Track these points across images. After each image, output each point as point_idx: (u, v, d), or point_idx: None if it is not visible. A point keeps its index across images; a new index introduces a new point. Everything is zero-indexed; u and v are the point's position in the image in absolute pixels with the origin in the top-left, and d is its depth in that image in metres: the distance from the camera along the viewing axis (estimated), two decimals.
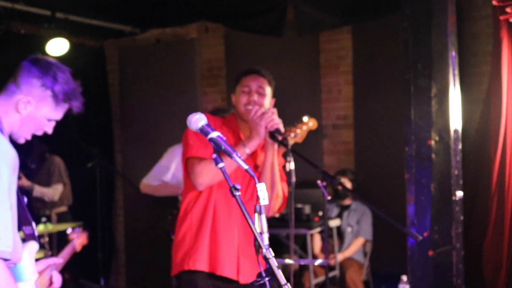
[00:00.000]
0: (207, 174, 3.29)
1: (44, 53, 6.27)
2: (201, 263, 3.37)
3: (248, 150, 3.33)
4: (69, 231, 3.72)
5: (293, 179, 3.38)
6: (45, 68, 2.50)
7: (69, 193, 6.70)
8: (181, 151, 4.09)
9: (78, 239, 3.73)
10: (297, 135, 3.56)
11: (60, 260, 3.09)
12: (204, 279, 3.38)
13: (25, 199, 2.67)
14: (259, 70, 3.54)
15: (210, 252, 3.38)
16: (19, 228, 2.55)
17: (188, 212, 3.46)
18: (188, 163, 3.39)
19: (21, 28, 6.50)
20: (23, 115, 2.48)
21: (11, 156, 2.40)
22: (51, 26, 6.33)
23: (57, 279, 2.96)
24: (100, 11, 6.67)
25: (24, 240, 2.70)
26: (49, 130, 2.57)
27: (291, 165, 3.37)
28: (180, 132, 4.30)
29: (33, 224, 2.75)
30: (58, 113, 2.55)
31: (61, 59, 6.49)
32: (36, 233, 2.77)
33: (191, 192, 3.46)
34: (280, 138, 3.38)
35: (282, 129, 3.40)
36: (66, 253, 3.43)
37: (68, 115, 2.59)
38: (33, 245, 2.76)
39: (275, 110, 3.42)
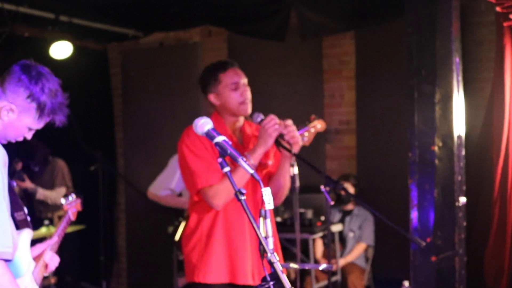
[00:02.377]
0: (221, 196, 3.27)
1: (47, 56, 6.28)
2: (211, 275, 3.36)
3: (253, 161, 3.28)
4: (63, 201, 3.62)
5: (297, 184, 3.36)
6: (35, 78, 2.45)
7: None
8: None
9: (72, 208, 3.57)
10: (304, 138, 3.51)
11: (54, 239, 3.01)
12: None
13: (14, 183, 2.64)
14: (233, 63, 3.50)
15: (226, 262, 3.38)
16: (11, 214, 2.51)
17: (199, 222, 3.44)
18: (200, 193, 3.37)
19: (25, 31, 6.51)
20: (5, 121, 2.47)
21: (2, 153, 2.41)
22: (54, 29, 6.34)
23: (53, 260, 2.89)
24: (103, 14, 6.69)
25: (17, 226, 2.65)
26: (28, 137, 2.56)
27: (294, 170, 3.36)
28: None
29: (25, 209, 2.72)
30: (39, 124, 2.52)
31: (64, 62, 6.56)
32: (29, 218, 2.73)
33: (200, 203, 3.44)
34: (288, 147, 3.34)
35: (300, 143, 3.36)
36: (62, 227, 3.36)
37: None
38: (27, 233, 2.70)
39: (291, 123, 3.36)
